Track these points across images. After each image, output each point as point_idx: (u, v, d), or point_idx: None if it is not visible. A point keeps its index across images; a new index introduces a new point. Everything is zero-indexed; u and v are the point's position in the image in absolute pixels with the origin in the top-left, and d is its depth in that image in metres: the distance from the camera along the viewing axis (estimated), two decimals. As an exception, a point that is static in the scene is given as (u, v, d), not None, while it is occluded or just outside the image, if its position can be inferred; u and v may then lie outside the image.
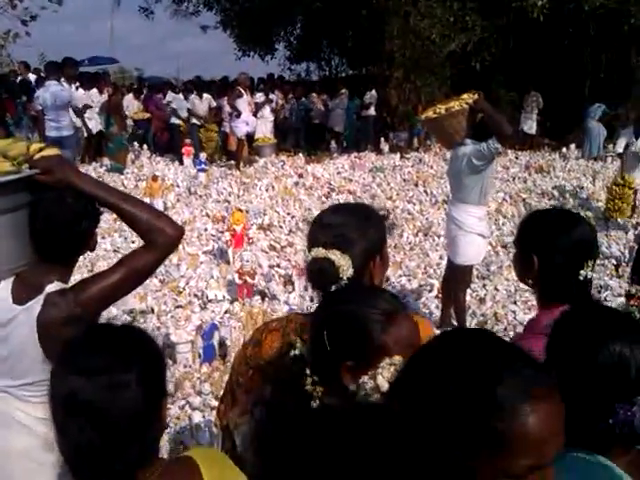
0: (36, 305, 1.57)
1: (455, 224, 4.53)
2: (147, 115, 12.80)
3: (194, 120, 11.58)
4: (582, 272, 1.62)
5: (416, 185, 9.25)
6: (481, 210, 4.53)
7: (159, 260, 1.68)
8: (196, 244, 6.77)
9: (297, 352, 1.32)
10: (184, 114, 11.65)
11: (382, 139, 12.78)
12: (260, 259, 6.00)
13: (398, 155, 11.34)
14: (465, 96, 4.50)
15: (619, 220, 7.56)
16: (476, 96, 4.42)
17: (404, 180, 9.54)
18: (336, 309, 1.25)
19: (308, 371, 1.24)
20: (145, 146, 12.13)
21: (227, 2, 16.89)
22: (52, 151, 1.67)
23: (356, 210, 1.60)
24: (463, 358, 0.89)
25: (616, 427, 1.12)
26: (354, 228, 1.50)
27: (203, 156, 9.87)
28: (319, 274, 1.41)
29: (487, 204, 4.68)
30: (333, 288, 1.40)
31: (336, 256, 1.41)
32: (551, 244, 1.65)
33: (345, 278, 1.41)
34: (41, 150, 1.65)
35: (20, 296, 1.60)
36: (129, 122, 12.74)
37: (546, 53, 13.83)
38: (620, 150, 8.03)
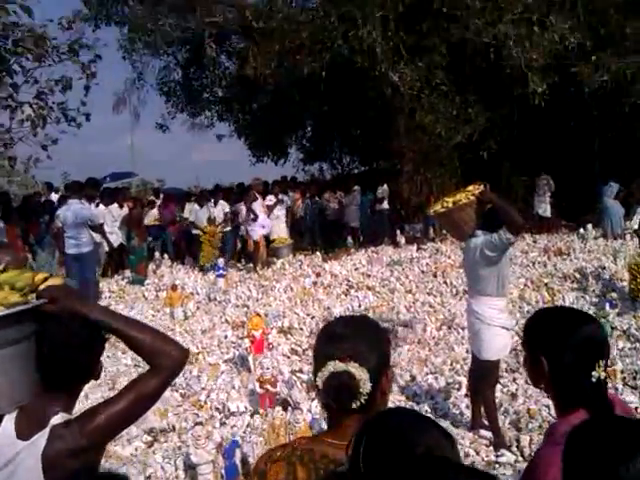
0: (41, 439, 1.54)
1: (476, 318, 4.43)
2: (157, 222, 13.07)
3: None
4: (594, 373, 1.55)
5: (435, 276, 9.18)
6: (501, 301, 4.44)
7: (166, 383, 1.65)
8: (217, 352, 6.71)
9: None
10: (204, 223, 11.87)
11: (398, 232, 12.88)
12: (281, 365, 5.89)
13: (415, 247, 11.36)
14: (471, 188, 4.54)
15: (646, 300, 7.37)
16: (482, 187, 4.46)
17: (422, 272, 9.49)
18: (377, 437, 1.13)
19: None
20: (166, 255, 12.34)
21: (240, 112, 17.71)
22: (57, 280, 1.71)
23: (364, 323, 1.58)
24: None
25: None
26: (367, 341, 1.47)
27: (221, 261, 9.98)
28: (339, 390, 1.37)
29: (506, 294, 4.59)
30: (354, 405, 1.37)
31: (356, 369, 1.38)
32: (559, 344, 1.58)
33: (365, 393, 1.38)
34: (46, 280, 1.67)
35: (24, 430, 1.58)
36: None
37: (552, 136, 14.15)
38: (636, 226, 7.98)
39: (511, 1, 12.16)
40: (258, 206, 11.22)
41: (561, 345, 1.57)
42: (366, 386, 1.37)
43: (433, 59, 12.57)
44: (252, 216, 11.05)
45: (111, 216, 11.38)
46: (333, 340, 1.46)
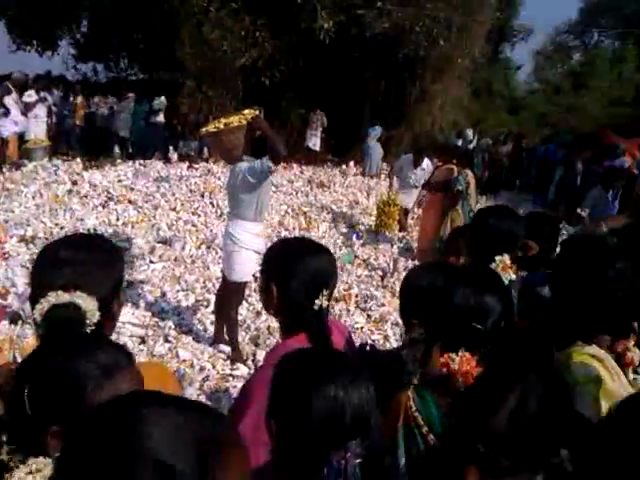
0: None
1: (231, 239, 4.49)
2: None
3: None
4: (317, 301, 1.61)
5: (202, 196, 9.10)
6: (257, 226, 4.52)
7: None
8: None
9: None
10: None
11: (171, 148, 12.42)
12: (17, 276, 5.36)
13: (186, 165, 11.10)
14: (246, 112, 4.48)
15: (387, 234, 8.22)
16: (256, 112, 4.44)
17: (190, 191, 9.33)
18: (41, 363, 1.03)
19: (4, 438, 1.01)
20: None
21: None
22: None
23: (94, 244, 1.41)
24: None
25: (329, 477, 1.07)
26: (97, 266, 1.32)
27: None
28: (62, 324, 1.20)
29: (263, 220, 4.69)
30: None
31: (83, 300, 1.22)
32: (287, 273, 1.62)
33: (92, 324, 1.24)
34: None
35: None
36: None
37: (332, 75, 14.65)
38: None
39: None
40: (11, 101, 9.91)
41: (289, 274, 1.61)
42: (94, 317, 1.24)
43: (225, -28, 12.05)
44: (2, 110, 9.72)
45: None
46: (55, 265, 1.28)
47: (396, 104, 15.01)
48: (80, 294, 1.23)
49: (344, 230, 8.36)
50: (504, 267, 2.10)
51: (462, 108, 19.05)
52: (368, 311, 5.77)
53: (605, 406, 1.54)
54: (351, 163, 12.63)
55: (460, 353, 1.48)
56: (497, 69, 23.90)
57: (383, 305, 5.84)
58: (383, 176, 11.89)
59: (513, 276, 2.10)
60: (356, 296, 6.10)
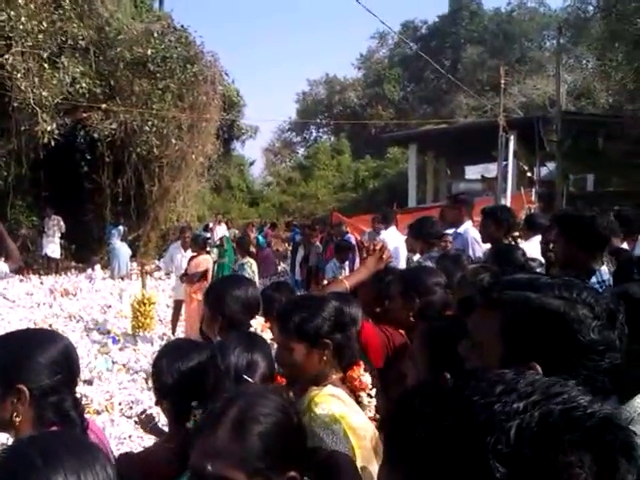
0: None
1: None
2: None
3: None
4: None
5: None
6: None
7: None
8: None
9: None
10: None
11: None
12: None
13: None
14: None
15: (146, 334, 7.85)
16: None
17: None
18: None
19: None
20: None
21: None
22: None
23: None
24: None
25: None
26: None
27: None
28: None
29: None
30: None
31: None
32: (36, 368, 1.47)
33: None
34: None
35: None
36: None
37: (66, 177, 13.94)
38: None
39: (21, 33, 11.62)
40: None
41: (37, 368, 1.47)
42: None
43: None
44: None
45: None
46: None
47: (138, 203, 14.84)
48: None
49: (98, 337, 7.75)
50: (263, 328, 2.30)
51: (204, 203, 19.63)
52: (134, 417, 5.32)
53: (353, 440, 1.63)
54: (97, 267, 11.96)
55: None
56: (232, 165, 25.34)
57: (151, 407, 5.46)
58: (135, 276, 11.47)
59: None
60: (120, 404, 5.62)
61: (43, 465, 0.98)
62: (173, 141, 14.49)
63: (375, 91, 33.82)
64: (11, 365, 1.46)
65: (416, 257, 4.97)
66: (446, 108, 28.29)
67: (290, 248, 13.34)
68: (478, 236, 4.42)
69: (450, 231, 4.77)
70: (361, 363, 1.97)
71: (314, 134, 37.95)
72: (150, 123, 13.86)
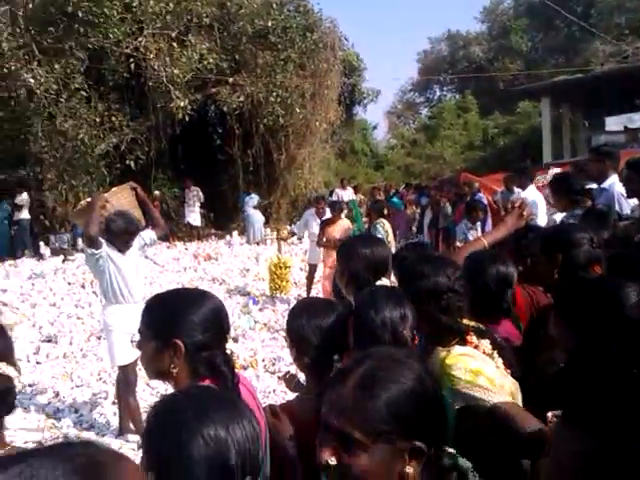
0: None
1: (103, 325, 4.50)
2: None
3: None
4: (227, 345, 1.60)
5: (83, 287, 8.63)
6: (124, 308, 4.30)
7: None
8: None
9: None
10: None
11: (42, 243, 11.76)
12: None
13: (61, 258, 10.53)
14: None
15: (283, 296, 8.23)
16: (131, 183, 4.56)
17: (69, 283, 8.83)
18: None
19: None
20: None
21: None
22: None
23: None
24: None
25: None
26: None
27: None
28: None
29: (129, 301, 4.35)
30: None
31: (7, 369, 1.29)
32: (193, 322, 1.57)
33: None
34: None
35: None
36: None
37: (201, 150, 14.79)
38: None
39: (150, 16, 12.34)
40: None
41: (195, 323, 1.56)
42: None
43: (70, 63, 11.90)
44: None
45: None
46: None
47: (267, 172, 15.41)
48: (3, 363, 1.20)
49: (239, 298, 8.26)
50: None
51: (330, 169, 19.90)
52: (278, 373, 5.66)
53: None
54: (235, 233, 12.67)
55: None
56: (355, 130, 25.37)
57: (292, 364, 5.77)
58: (269, 242, 12.02)
59: None
60: (263, 360, 5.99)
61: (193, 417, 1.04)
62: (297, 110, 14.77)
63: (501, 44, 31.97)
64: (168, 321, 1.57)
65: (558, 216, 4.74)
66: (580, 57, 26.12)
67: (418, 211, 13.19)
68: (624, 191, 4.14)
69: (594, 186, 4.51)
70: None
71: (438, 93, 36.82)
72: (274, 94, 14.22)
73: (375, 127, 30.42)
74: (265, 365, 5.91)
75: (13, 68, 10.93)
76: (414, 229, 12.28)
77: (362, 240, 2.67)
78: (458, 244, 6.27)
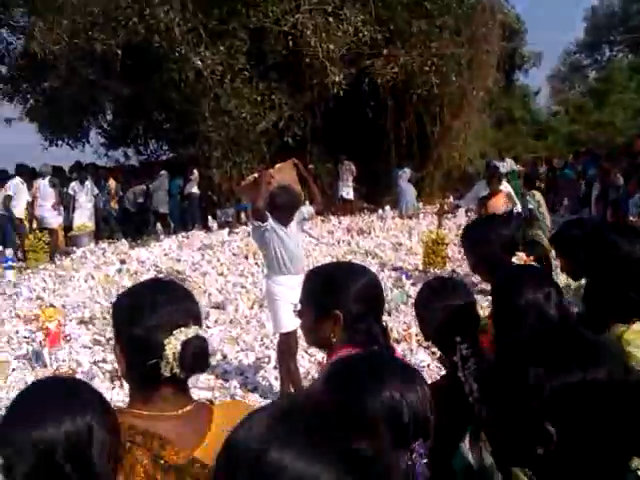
0: None
1: (267, 294, 4.75)
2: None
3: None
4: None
5: (246, 258, 9.19)
6: (287, 278, 4.50)
7: None
8: (6, 350, 5.98)
9: None
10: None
11: (209, 217, 12.68)
12: (80, 356, 5.43)
13: (226, 230, 11.29)
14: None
15: (436, 271, 8.12)
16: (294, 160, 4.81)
17: (234, 254, 9.45)
18: None
19: None
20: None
21: (29, 93, 16.06)
22: None
23: (173, 284, 1.44)
24: None
25: None
26: (193, 301, 1.38)
27: (9, 252, 8.97)
28: (198, 356, 1.27)
29: (292, 272, 4.54)
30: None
31: (202, 332, 1.30)
32: (351, 294, 1.62)
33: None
34: None
35: None
36: None
37: (352, 124, 14.92)
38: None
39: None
40: (54, 192, 10.35)
41: (353, 294, 1.62)
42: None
43: (234, 44, 12.52)
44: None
45: None
46: (164, 306, 1.30)
47: (420, 144, 15.17)
48: (196, 327, 1.27)
49: (392, 272, 8.29)
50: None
51: (486, 139, 19.10)
52: (432, 348, 5.63)
53: None
54: (387, 207, 12.69)
55: None
56: (515, 97, 24.02)
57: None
58: (422, 215, 11.90)
59: None
60: (416, 335, 5.97)
61: (371, 381, 1.09)
62: (453, 78, 14.30)
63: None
64: (329, 292, 1.64)
65: None
66: None
67: (583, 182, 12.29)
68: None
69: None
70: None
71: (607, 54, 33.56)
72: (429, 63, 13.87)
73: (537, 93, 28.60)
74: (419, 340, 5.89)
75: (184, 52, 11.74)
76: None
77: (495, 221, 2.65)
78: (631, 219, 5.75)
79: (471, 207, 8.46)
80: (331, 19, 12.82)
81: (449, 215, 11.33)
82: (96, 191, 11.94)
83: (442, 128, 15.25)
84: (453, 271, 8.26)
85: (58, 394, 1.13)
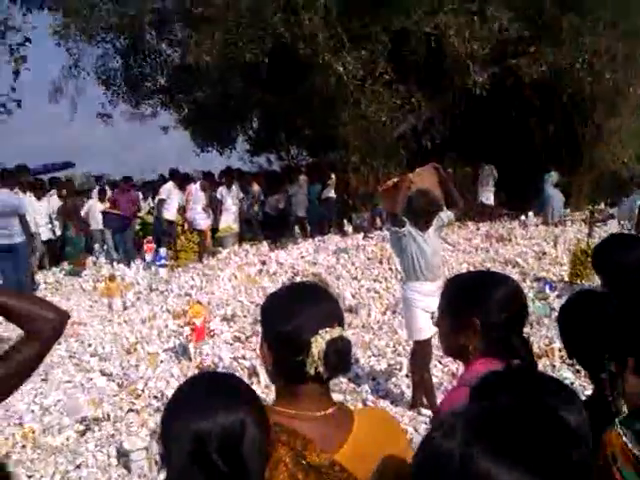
0: None
1: (402, 301, 4.75)
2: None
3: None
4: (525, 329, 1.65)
5: (380, 263, 9.19)
6: (424, 285, 4.45)
7: (43, 351, 1.52)
8: (156, 342, 6.49)
9: None
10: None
11: (345, 221, 12.86)
12: (222, 351, 5.75)
13: (361, 235, 11.37)
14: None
15: (584, 284, 7.57)
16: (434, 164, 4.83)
17: (368, 259, 9.49)
18: None
19: None
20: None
21: (183, 102, 17.33)
22: None
23: (317, 287, 1.50)
24: None
25: None
26: (336, 303, 1.43)
27: (163, 251, 9.74)
28: (342, 356, 1.31)
29: (429, 279, 4.50)
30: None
31: (346, 333, 1.35)
32: (491, 302, 1.61)
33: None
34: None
35: None
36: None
37: (495, 127, 14.37)
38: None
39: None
40: (201, 197, 11.07)
41: (493, 302, 1.61)
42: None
43: (375, 48, 12.55)
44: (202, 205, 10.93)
45: (51, 207, 11.09)
46: (310, 307, 1.35)
47: (569, 147, 14.25)
48: (340, 328, 1.33)
49: (534, 283, 7.86)
50: None
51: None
52: (576, 365, 5.25)
53: None
54: (530, 213, 12.06)
55: None
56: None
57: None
58: (569, 223, 11.19)
59: None
60: (559, 350, 5.62)
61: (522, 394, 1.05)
62: (607, 75, 13.27)
63: None
64: (467, 300, 1.64)
65: None
66: None
67: None
68: None
69: None
70: None
71: None
72: (580, 59, 12.98)
73: None
74: (562, 356, 5.53)
75: (326, 58, 12.00)
76: None
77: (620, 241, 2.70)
78: None
79: (626, 221, 7.74)
80: (475, 18, 12.44)
81: (599, 223, 10.53)
82: (241, 195, 12.59)
83: (593, 129, 14.21)
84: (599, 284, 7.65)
85: (216, 388, 1.19)
